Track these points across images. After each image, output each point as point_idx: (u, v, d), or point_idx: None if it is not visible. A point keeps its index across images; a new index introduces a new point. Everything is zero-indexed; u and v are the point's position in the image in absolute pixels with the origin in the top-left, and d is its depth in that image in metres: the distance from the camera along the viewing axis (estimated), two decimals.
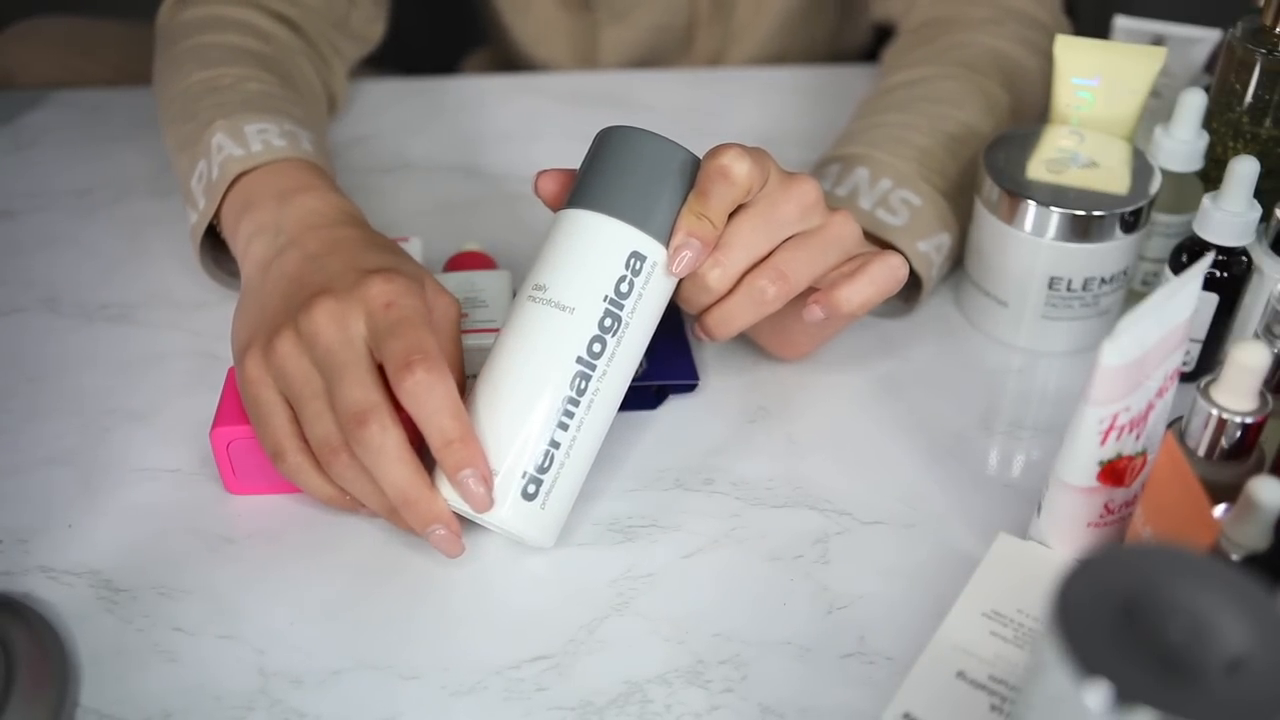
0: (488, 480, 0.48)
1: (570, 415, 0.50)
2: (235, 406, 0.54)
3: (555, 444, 0.50)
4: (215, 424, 0.54)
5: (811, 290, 0.55)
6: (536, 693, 0.48)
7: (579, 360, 0.50)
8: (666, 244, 0.51)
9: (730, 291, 0.53)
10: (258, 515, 0.55)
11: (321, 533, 0.54)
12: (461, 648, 0.49)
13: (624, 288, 0.50)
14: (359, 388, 0.48)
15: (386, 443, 0.48)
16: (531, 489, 0.49)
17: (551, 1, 0.93)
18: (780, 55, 0.96)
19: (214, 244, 0.66)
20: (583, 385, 0.50)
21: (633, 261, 0.50)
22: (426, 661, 0.49)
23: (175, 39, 0.72)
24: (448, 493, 0.50)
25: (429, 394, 0.47)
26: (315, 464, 0.51)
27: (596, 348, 0.50)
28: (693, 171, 0.52)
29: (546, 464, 0.49)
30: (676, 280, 0.52)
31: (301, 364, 0.50)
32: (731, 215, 0.52)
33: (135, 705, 0.47)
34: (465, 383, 0.52)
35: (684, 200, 0.51)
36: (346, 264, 0.52)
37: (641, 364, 0.60)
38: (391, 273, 0.51)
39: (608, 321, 0.50)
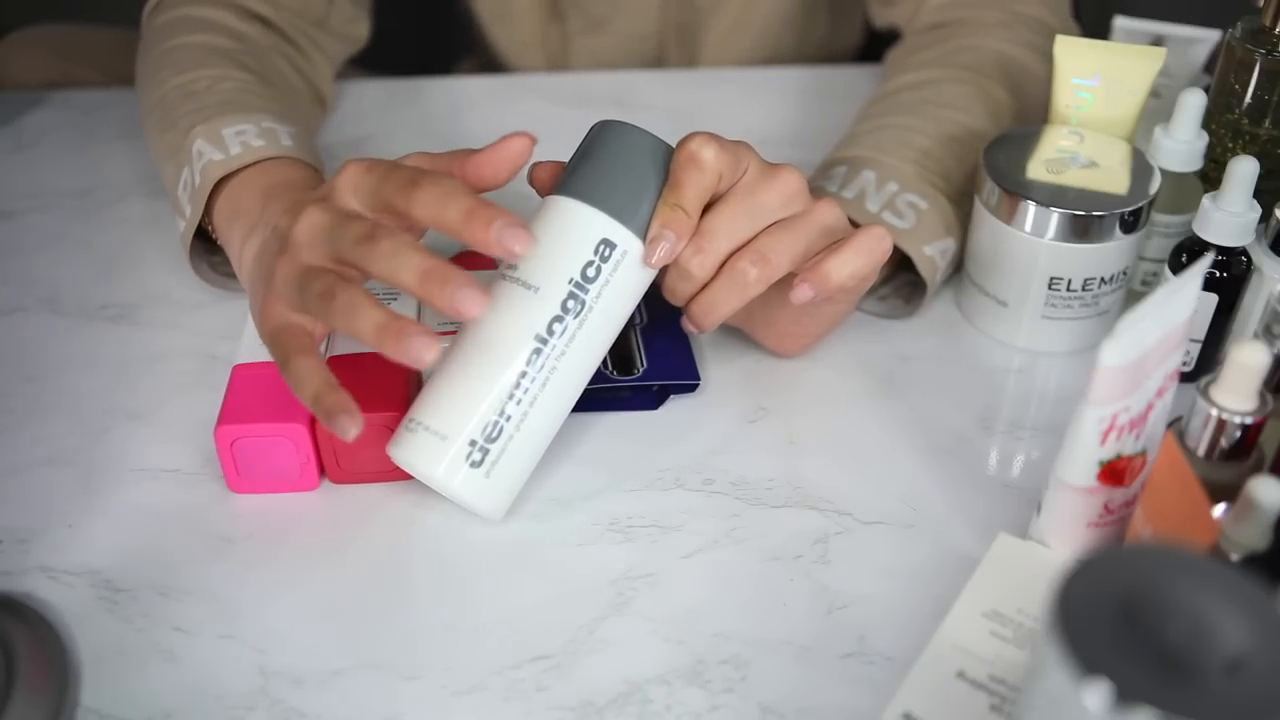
0: (518, 227, 0.46)
1: (524, 390, 0.51)
2: (239, 404, 0.54)
3: (505, 415, 0.51)
4: (220, 422, 0.54)
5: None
6: (536, 693, 0.48)
7: (536, 337, 0.51)
8: (640, 234, 0.52)
9: (713, 278, 0.53)
10: (258, 515, 0.55)
11: (322, 533, 0.54)
12: (462, 648, 0.49)
13: (590, 272, 0.51)
14: (357, 225, 0.48)
15: (399, 242, 0.46)
16: (477, 456, 0.50)
17: (530, 12, 0.93)
18: (767, 63, 0.97)
19: (209, 248, 0.67)
20: (539, 361, 0.51)
21: (602, 248, 0.51)
22: (427, 661, 0.49)
23: (150, 45, 0.72)
24: (394, 450, 0.51)
25: (436, 191, 0.47)
26: (321, 365, 0.49)
27: (556, 327, 0.51)
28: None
29: (494, 434, 0.51)
30: (653, 272, 0.53)
31: (300, 260, 0.49)
32: (712, 204, 0.53)
33: (135, 705, 0.47)
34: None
35: (660, 192, 0.52)
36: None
37: (641, 363, 0.60)
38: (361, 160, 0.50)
39: (570, 303, 0.51)
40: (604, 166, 0.52)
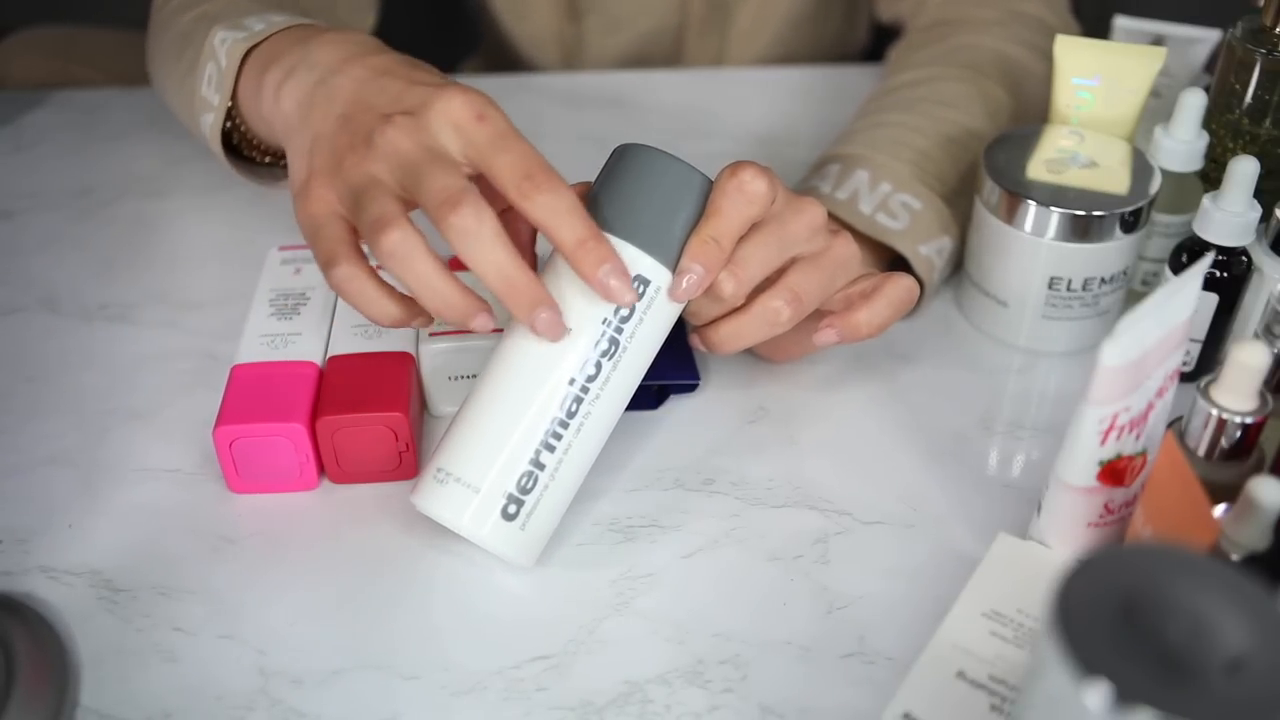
0: (625, 275, 0.47)
1: (558, 437, 0.49)
2: (238, 404, 0.54)
3: (540, 465, 0.49)
4: (218, 422, 0.54)
5: (817, 312, 0.55)
6: (536, 693, 0.48)
7: (572, 382, 0.49)
8: (672, 268, 0.50)
9: (741, 309, 0.52)
10: (258, 515, 0.55)
11: (322, 532, 0.54)
12: (462, 647, 0.49)
13: (625, 311, 0.49)
14: (449, 175, 0.46)
15: (484, 227, 0.45)
16: (512, 509, 0.49)
17: (548, 8, 0.93)
18: (783, 62, 0.96)
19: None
20: (574, 408, 0.49)
21: (637, 286, 0.49)
22: (426, 661, 0.49)
23: (163, 23, 0.69)
24: (422, 502, 0.50)
25: (558, 201, 0.46)
26: (370, 272, 0.48)
27: (591, 370, 0.49)
28: (706, 195, 0.50)
29: (529, 485, 0.49)
30: (681, 304, 0.51)
31: (374, 171, 0.47)
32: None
33: (135, 705, 0.47)
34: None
35: (694, 225, 0.50)
36: (409, 80, 0.50)
37: None
38: (465, 86, 0.48)
39: (605, 345, 0.49)
40: (632, 197, 0.50)
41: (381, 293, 0.49)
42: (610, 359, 0.49)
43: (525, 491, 0.49)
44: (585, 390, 0.49)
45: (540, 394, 0.49)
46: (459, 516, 0.49)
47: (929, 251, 0.63)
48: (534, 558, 0.51)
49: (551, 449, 0.49)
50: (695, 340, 0.55)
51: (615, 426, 0.57)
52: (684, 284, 0.49)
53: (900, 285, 0.55)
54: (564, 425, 0.49)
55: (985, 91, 0.70)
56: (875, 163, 0.64)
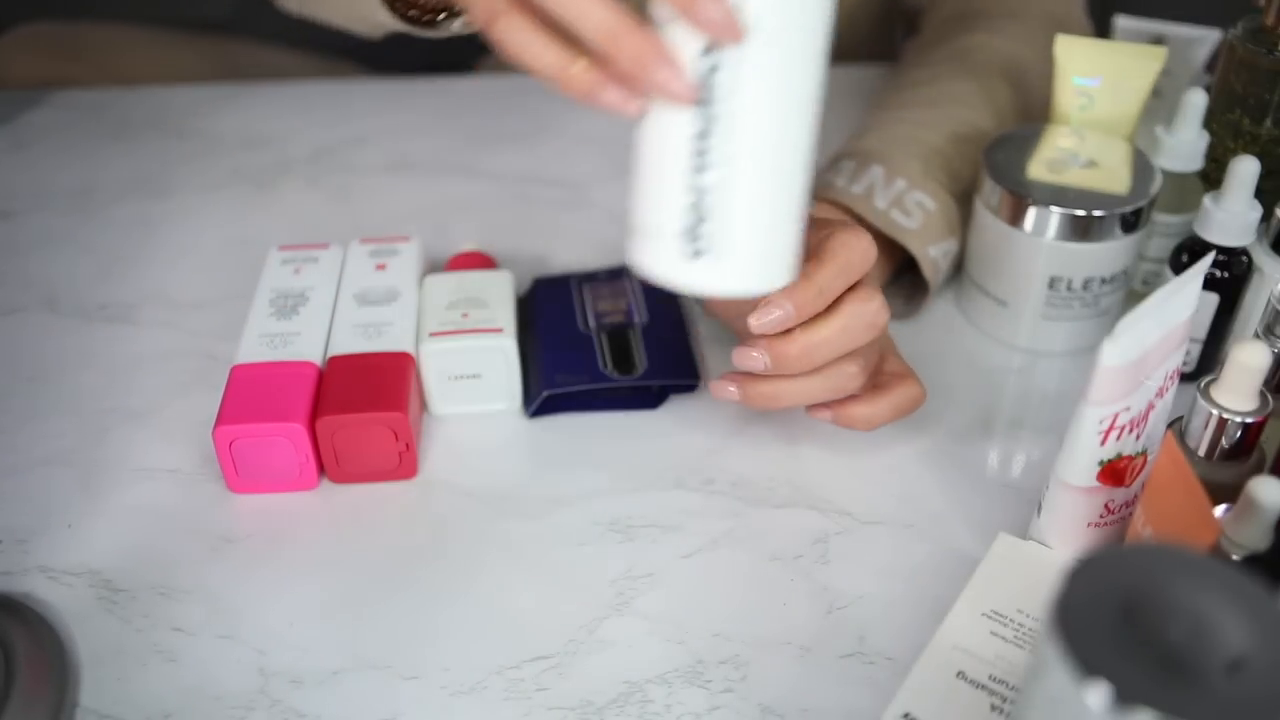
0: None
1: (703, 154, 0.43)
2: (238, 404, 0.54)
3: (700, 189, 0.43)
4: (218, 422, 0.54)
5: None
6: (536, 693, 0.48)
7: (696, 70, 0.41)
8: None
9: (812, 373, 0.52)
10: (258, 515, 0.55)
11: (322, 533, 0.54)
12: (462, 647, 0.49)
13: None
14: None
15: None
16: (692, 248, 0.44)
17: None
18: (844, 51, 0.96)
19: None
20: (705, 118, 0.42)
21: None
22: (426, 661, 0.49)
23: None
24: (633, 258, 0.46)
25: None
26: (533, 22, 0.45)
27: (706, 63, 0.41)
28: None
29: (702, 214, 0.43)
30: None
31: None
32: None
33: (135, 705, 0.47)
34: None
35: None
36: None
37: (641, 363, 0.60)
38: None
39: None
40: None
41: (546, 40, 0.46)
42: (727, 51, 0.41)
43: (702, 221, 0.44)
44: (711, 92, 0.42)
45: (663, 115, 0.43)
46: (650, 265, 0.45)
47: (936, 254, 0.63)
48: (764, 278, 0.46)
49: (700, 169, 0.43)
50: (727, 390, 0.54)
51: (618, 423, 0.55)
52: (767, 315, 0.49)
53: (908, 394, 0.55)
54: (705, 136, 0.42)
55: (997, 92, 0.69)
56: (890, 158, 0.64)
